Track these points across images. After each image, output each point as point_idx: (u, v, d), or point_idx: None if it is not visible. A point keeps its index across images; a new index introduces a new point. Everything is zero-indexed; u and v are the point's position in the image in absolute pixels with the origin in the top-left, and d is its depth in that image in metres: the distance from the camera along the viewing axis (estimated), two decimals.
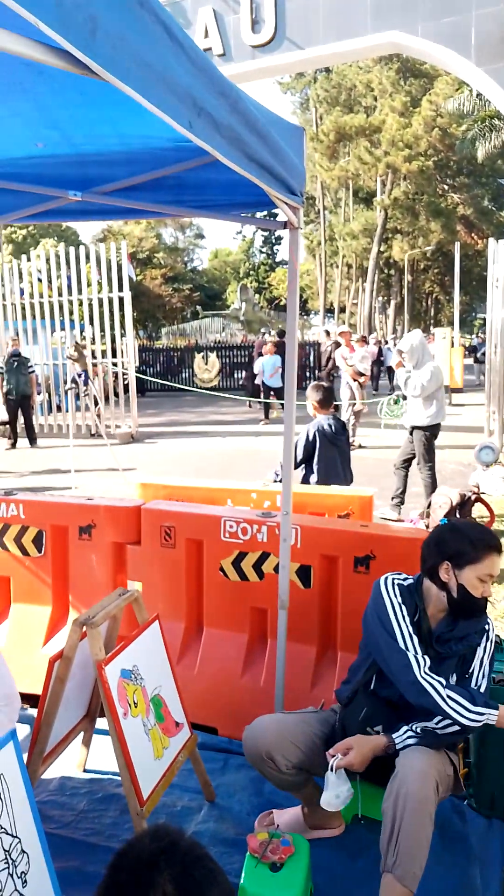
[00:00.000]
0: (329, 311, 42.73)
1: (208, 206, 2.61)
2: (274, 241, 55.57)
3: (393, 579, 2.11)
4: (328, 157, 35.65)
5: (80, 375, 10.98)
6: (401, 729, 1.96)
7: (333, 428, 4.42)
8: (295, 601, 2.75)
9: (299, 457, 4.43)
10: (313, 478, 4.43)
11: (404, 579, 2.12)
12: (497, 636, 2.67)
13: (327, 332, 15.34)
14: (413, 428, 6.36)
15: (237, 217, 2.63)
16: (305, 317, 47.51)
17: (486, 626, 2.05)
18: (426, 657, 1.96)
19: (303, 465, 4.45)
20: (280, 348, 13.71)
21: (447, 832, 2.28)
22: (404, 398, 6.84)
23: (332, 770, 1.90)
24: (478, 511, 5.84)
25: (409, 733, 1.94)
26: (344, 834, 2.27)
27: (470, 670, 2.01)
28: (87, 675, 2.37)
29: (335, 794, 1.89)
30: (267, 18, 10.69)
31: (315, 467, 4.46)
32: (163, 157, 2.45)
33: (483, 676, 2.01)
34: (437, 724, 1.92)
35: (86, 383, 11.18)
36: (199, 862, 0.98)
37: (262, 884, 1.81)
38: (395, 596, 2.05)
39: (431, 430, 6.34)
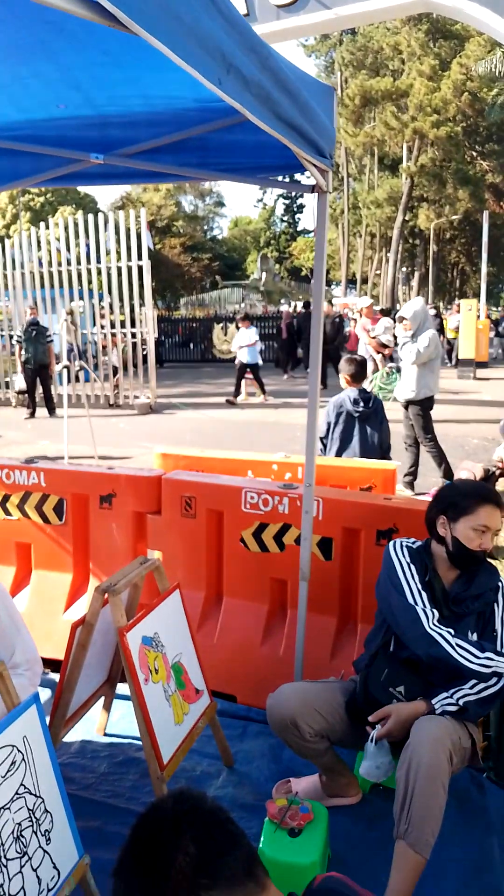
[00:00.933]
0: (351, 281, 42.12)
1: (233, 170, 2.55)
2: (296, 209, 54.67)
3: (402, 542, 2.19)
4: (353, 122, 34.77)
5: (69, 351, 10.76)
6: (439, 694, 1.96)
7: (355, 401, 4.37)
8: (316, 573, 2.74)
9: (322, 432, 4.40)
10: (345, 454, 4.41)
11: (413, 542, 2.19)
12: None
13: (330, 303, 15.21)
14: (407, 402, 6.25)
15: (263, 180, 2.57)
16: (327, 287, 46.95)
17: (500, 584, 2.08)
18: (434, 611, 2.01)
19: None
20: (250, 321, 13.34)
21: (466, 804, 2.29)
22: (398, 370, 6.70)
23: (372, 741, 1.90)
24: (503, 486, 5.78)
25: (448, 700, 1.94)
26: (361, 802, 2.29)
27: (493, 629, 2.03)
28: (108, 642, 2.40)
29: (375, 764, 1.90)
30: None
31: (332, 439, 4.44)
32: (187, 117, 2.38)
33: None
34: (471, 687, 1.93)
35: (74, 358, 10.95)
36: (222, 825, 0.99)
37: (281, 849, 1.83)
38: (404, 556, 2.12)
39: (425, 404, 6.20)
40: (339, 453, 4.43)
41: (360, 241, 41.60)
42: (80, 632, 2.14)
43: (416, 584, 2.06)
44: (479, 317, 15.72)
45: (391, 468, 3.45)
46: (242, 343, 12.85)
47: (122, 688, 2.67)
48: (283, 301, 30.14)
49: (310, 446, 2.65)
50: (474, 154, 34.82)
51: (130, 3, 1.12)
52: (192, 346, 24.15)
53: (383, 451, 4.48)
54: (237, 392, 13.12)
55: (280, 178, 2.63)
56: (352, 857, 2.06)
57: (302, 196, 61.56)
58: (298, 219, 55.88)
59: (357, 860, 2.05)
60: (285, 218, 55.63)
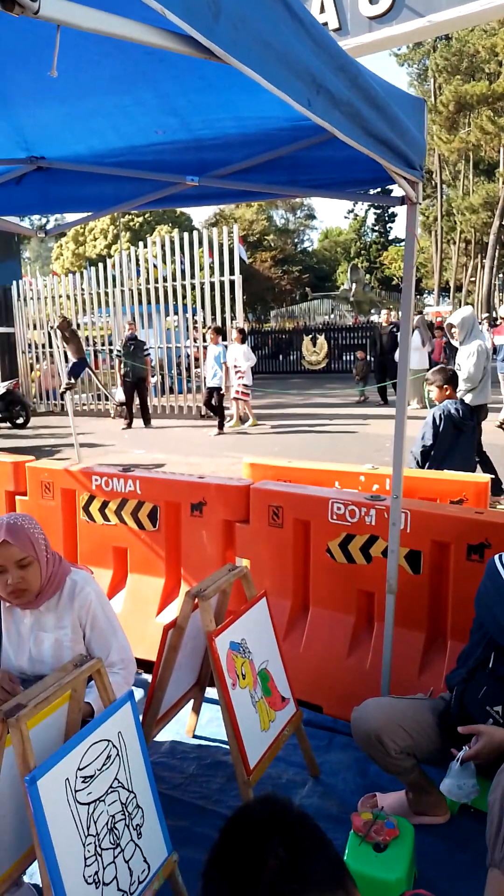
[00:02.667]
0: (444, 289, 41.07)
1: (323, 185, 2.59)
2: (387, 218, 54.00)
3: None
4: (447, 128, 34.03)
5: (74, 365, 10.45)
6: None
7: (461, 412, 4.27)
8: (404, 586, 2.71)
9: (428, 442, 4.33)
10: (445, 465, 4.32)
11: None
12: None
13: (388, 311, 14.82)
14: (474, 408, 6.04)
15: (352, 195, 2.60)
16: (419, 296, 45.99)
17: None
18: None
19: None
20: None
21: None
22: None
23: (457, 761, 1.86)
24: None
25: None
26: (449, 823, 2.23)
27: None
28: (198, 645, 2.47)
29: (458, 784, 1.85)
30: None
31: (435, 452, 4.35)
32: (278, 137, 2.45)
33: None
34: None
35: (76, 374, 10.55)
36: (310, 831, 1.00)
37: (366, 862, 1.82)
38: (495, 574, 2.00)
39: (477, 413, 5.93)
40: (441, 465, 4.33)
41: (453, 248, 40.52)
42: (171, 634, 2.22)
43: None
44: None
45: (483, 481, 3.35)
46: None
47: (211, 692, 2.74)
48: (372, 312, 29.79)
49: (397, 457, 2.63)
50: None
51: (225, 36, 1.18)
52: (280, 357, 24.33)
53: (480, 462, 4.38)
54: (221, 420, 11.09)
55: (370, 192, 2.64)
56: (439, 879, 2.01)
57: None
58: (390, 228, 55.17)
59: (444, 882, 2.00)
60: (376, 227, 55.06)
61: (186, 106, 2.25)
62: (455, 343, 6.14)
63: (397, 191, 2.40)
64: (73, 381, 9.80)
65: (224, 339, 12.67)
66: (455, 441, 4.28)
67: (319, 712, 2.90)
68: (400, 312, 2.57)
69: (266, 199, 3.00)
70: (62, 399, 9.52)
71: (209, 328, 11.45)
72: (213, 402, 11.07)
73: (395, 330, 13.17)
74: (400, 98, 2.20)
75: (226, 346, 11.31)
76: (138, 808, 1.73)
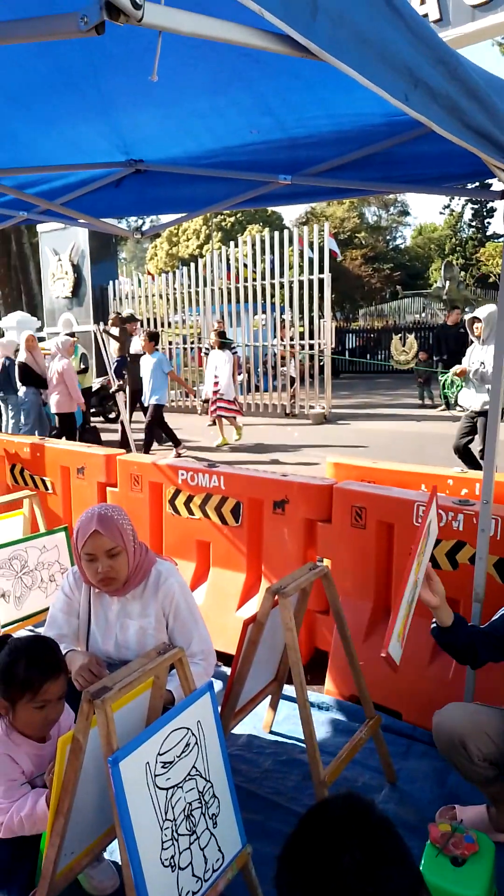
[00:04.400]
0: None
1: (418, 181, 2.54)
2: (485, 213, 52.03)
3: None
4: None
5: (115, 363, 9.41)
6: None
7: None
8: (492, 595, 2.61)
9: None
10: None
11: None
12: None
13: (456, 310, 13.90)
14: (476, 414, 5.96)
15: (448, 189, 2.53)
16: None
17: None
18: None
19: None
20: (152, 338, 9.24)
21: None
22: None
23: None
24: None
25: None
26: None
27: None
28: (277, 642, 2.48)
29: None
30: None
31: None
32: (374, 133, 2.42)
33: None
34: None
35: (120, 375, 9.38)
36: (390, 838, 0.98)
37: (443, 876, 1.77)
38: None
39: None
40: None
41: None
42: (251, 629, 2.24)
43: None
44: None
45: None
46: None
47: (289, 689, 2.75)
48: (467, 310, 28.82)
49: (489, 461, 2.53)
50: None
51: (323, 33, 1.18)
52: (369, 357, 24.00)
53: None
54: (174, 441, 8.96)
55: (467, 186, 2.56)
56: None
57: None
58: (488, 223, 53.07)
59: None
60: (473, 223, 53.12)
61: (281, 105, 2.26)
62: (473, 338, 5.78)
63: (496, 184, 2.32)
64: (122, 381, 9.51)
65: (311, 337, 12.61)
66: None
67: (399, 719, 2.84)
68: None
69: (358, 195, 2.97)
70: (115, 403, 9.31)
71: (142, 333, 9.49)
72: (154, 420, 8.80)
73: (461, 330, 12.67)
74: (500, 87, 2.11)
75: (234, 351, 10.35)
76: (214, 797, 1.76)
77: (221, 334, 10.05)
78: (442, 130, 1.65)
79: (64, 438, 8.26)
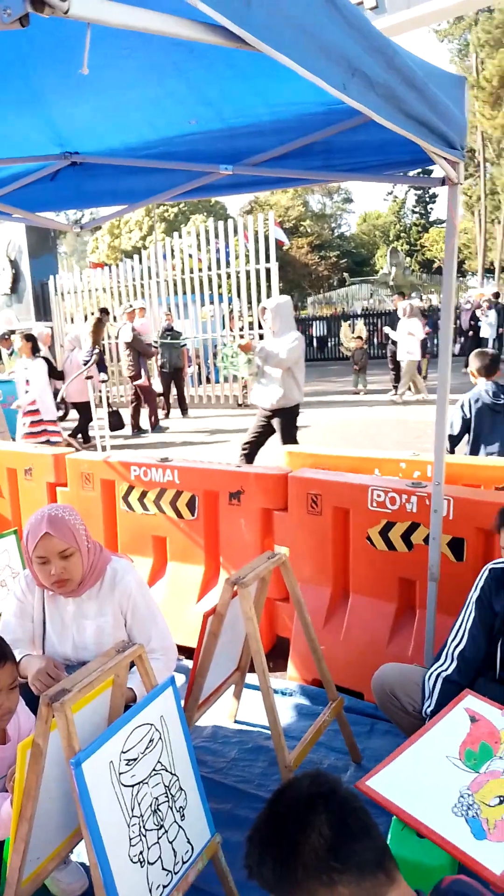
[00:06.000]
0: (489, 271, 40.06)
1: (359, 169, 2.55)
2: (428, 199, 52.87)
3: (489, 567, 2.18)
4: (490, 104, 33.03)
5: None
6: None
7: (495, 394, 4.19)
8: (446, 574, 2.69)
9: (454, 431, 4.27)
10: (489, 450, 4.25)
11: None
12: None
13: (401, 296, 14.22)
14: (272, 412, 5.45)
15: (390, 177, 2.56)
16: (462, 278, 45.01)
17: None
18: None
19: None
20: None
21: None
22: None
23: None
24: None
25: None
26: None
27: None
28: (238, 632, 2.49)
29: None
30: None
31: (470, 437, 4.28)
32: (312, 122, 2.43)
33: None
34: None
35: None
36: (356, 812, 1.01)
37: (410, 848, 1.82)
38: (475, 588, 2.16)
39: (293, 411, 5.47)
40: (476, 450, 4.27)
41: (498, 227, 39.45)
42: (211, 621, 2.25)
43: (461, 627, 2.11)
44: None
45: None
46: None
47: (252, 678, 2.77)
48: (413, 295, 29.28)
49: (438, 443, 2.59)
50: None
51: (258, 23, 1.17)
52: (317, 344, 24.18)
53: None
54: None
55: (408, 174, 2.59)
56: None
57: None
58: (431, 209, 54.00)
59: None
60: (417, 209, 53.94)
61: (219, 95, 2.25)
62: (266, 330, 5.40)
63: (437, 171, 2.36)
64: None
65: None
66: (492, 425, 4.20)
67: (361, 699, 2.90)
68: (443, 294, 2.51)
69: (301, 185, 2.97)
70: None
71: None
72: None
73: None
74: (439, 77, 2.15)
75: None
76: (181, 790, 1.76)
77: (29, 337, 7.60)
78: (381, 119, 1.66)
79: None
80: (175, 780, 1.75)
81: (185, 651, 3.06)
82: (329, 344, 23.66)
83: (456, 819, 1.58)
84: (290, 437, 5.61)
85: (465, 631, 2.14)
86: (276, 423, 5.55)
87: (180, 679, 2.96)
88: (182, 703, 1.84)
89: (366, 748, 2.57)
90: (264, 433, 5.67)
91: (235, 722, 2.78)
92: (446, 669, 2.10)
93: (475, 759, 1.74)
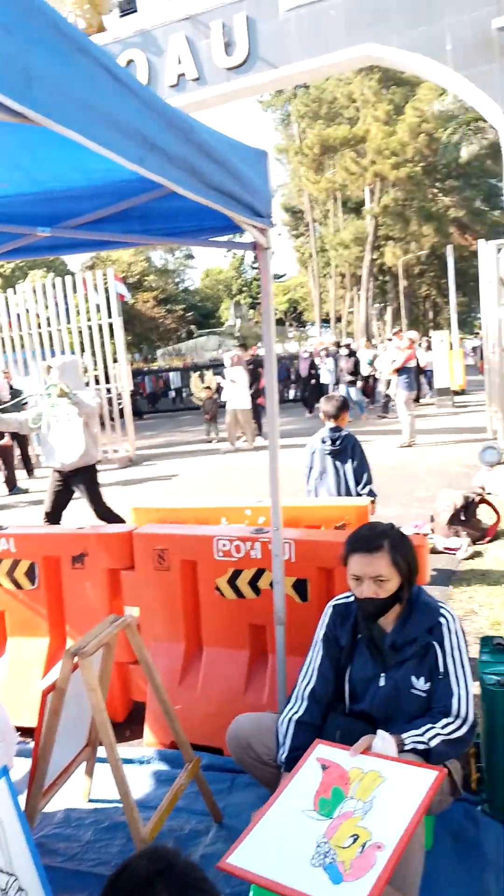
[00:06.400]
0: (325, 321, 42.86)
1: (177, 234, 2.65)
2: None
3: (332, 604, 2.27)
4: (314, 170, 35.94)
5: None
6: (408, 731, 1.93)
7: (323, 440, 4.44)
8: (293, 615, 2.75)
9: (306, 470, 4.50)
10: (322, 492, 4.46)
11: (348, 595, 2.22)
12: (501, 637, 2.68)
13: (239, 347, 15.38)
14: (74, 471, 5.30)
15: (205, 242, 2.67)
16: (302, 328, 47.67)
17: (440, 621, 2.07)
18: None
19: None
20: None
21: (460, 839, 2.27)
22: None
23: None
24: (484, 512, 5.84)
25: (418, 738, 1.90)
26: None
27: (439, 673, 2.03)
28: (84, 704, 2.37)
29: None
30: (239, 41, 10.87)
31: (312, 478, 4.51)
32: (127, 189, 2.49)
33: (458, 673, 2.03)
34: (443, 727, 1.93)
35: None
36: (196, 884, 0.99)
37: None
38: (321, 626, 2.25)
39: (94, 469, 5.47)
40: (318, 492, 4.49)
41: (330, 281, 42.52)
42: (51, 698, 2.13)
43: (310, 666, 2.21)
44: (451, 347, 16.04)
45: (363, 504, 3.49)
46: None
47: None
48: (259, 345, 30.55)
49: (273, 490, 2.69)
50: (435, 191, 35.97)
51: (40, 100, 1.21)
52: (169, 396, 24.43)
53: (359, 486, 4.52)
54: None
55: (221, 239, 2.73)
56: None
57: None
58: None
59: None
60: (255, 265, 56.77)
61: (30, 160, 2.24)
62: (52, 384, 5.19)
63: (248, 237, 2.51)
64: None
65: (108, 381, 12.52)
66: (327, 466, 4.46)
67: (221, 755, 2.86)
68: (263, 346, 2.64)
69: (121, 247, 3.03)
70: None
71: None
72: None
73: (251, 366, 13.54)
74: (241, 150, 2.30)
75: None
76: (21, 891, 1.62)
77: None
78: (183, 191, 1.75)
79: None
80: (13, 880, 1.61)
81: (31, 733, 2.85)
82: (182, 394, 23.97)
83: (314, 870, 1.59)
84: (96, 494, 5.46)
85: (313, 670, 2.20)
86: (78, 483, 5.35)
87: (27, 764, 2.76)
88: (25, 792, 1.72)
89: (227, 805, 2.53)
90: (63, 495, 5.40)
91: (90, 801, 2.63)
92: (297, 711, 2.14)
93: (329, 806, 1.76)
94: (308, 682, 2.19)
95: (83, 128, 1.33)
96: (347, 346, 16.46)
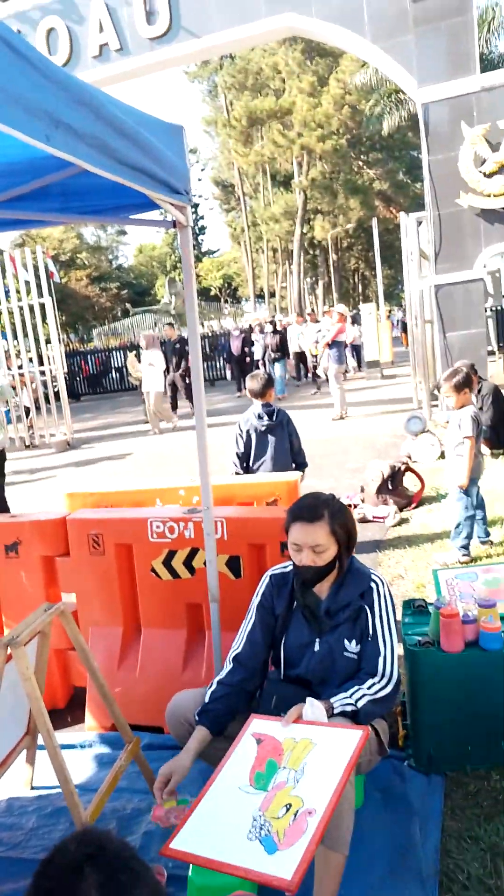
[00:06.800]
0: (259, 296, 42.80)
1: (97, 211, 2.59)
2: (198, 231, 55.14)
3: (270, 573, 2.31)
4: (242, 142, 35.55)
5: None
6: (337, 694, 2.00)
7: (259, 416, 4.47)
8: (227, 592, 2.79)
9: (241, 448, 4.50)
10: (260, 469, 4.50)
11: (285, 566, 2.29)
12: (422, 600, 2.79)
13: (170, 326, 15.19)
14: None
15: (127, 220, 2.63)
16: (237, 305, 47.46)
17: (371, 586, 2.16)
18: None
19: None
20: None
21: (388, 793, 2.38)
22: None
23: None
24: (410, 480, 6.02)
25: (346, 699, 1.97)
26: None
27: (368, 635, 2.12)
28: (21, 695, 2.35)
29: None
30: (161, 10, 10.55)
31: (251, 458, 4.53)
32: (44, 165, 2.40)
33: (385, 635, 2.11)
34: (368, 687, 2.01)
35: None
36: (126, 864, 1.00)
37: (210, 875, 1.85)
38: (256, 595, 2.29)
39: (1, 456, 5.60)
40: (254, 469, 4.52)
41: (263, 256, 42.39)
42: None
43: (241, 634, 2.25)
44: (379, 320, 16.33)
45: (293, 480, 3.54)
46: None
47: None
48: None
49: (203, 469, 2.70)
50: (360, 164, 36.19)
51: None
52: (107, 377, 23.96)
53: (296, 461, 4.60)
54: None
55: (146, 216, 2.68)
56: None
57: (203, 217, 62.14)
58: (202, 240, 56.43)
59: None
60: None
61: None
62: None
63: (167, 214, 2.48)
64: None
65: (41, 363, 12.20)
66: (260, 443, 4.50)
67: (161, 733, 2.89)
68: (186, 324, 2.62)
69: (41, 226, 2.95)
70: None
71: None
72: None
73: (177, 345, 13.43)
74: (155, 125, 2.26)
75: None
76: None
77: None
78: (93, 167, 1.71)
79: None
80: None
81: None
82: (117, 375, 23.55)
83: (250, 844, 1.63)
84: None
85: (244, 637, 2.25)
86: None
87: None
88: None
89: None
90: None
91: (32, 788, 2.62)
92: (220, 675, 2.20)
93: (263, 780, 1.81)
94: (236, 649, 2.24)
95: None
96: (272, 322, 16.19)
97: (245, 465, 4.56)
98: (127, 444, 11.53)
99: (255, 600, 2.30)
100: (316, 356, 14.38)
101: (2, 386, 5.08)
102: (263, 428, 4.48)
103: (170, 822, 1.88)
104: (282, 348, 15.26)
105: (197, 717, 2.09)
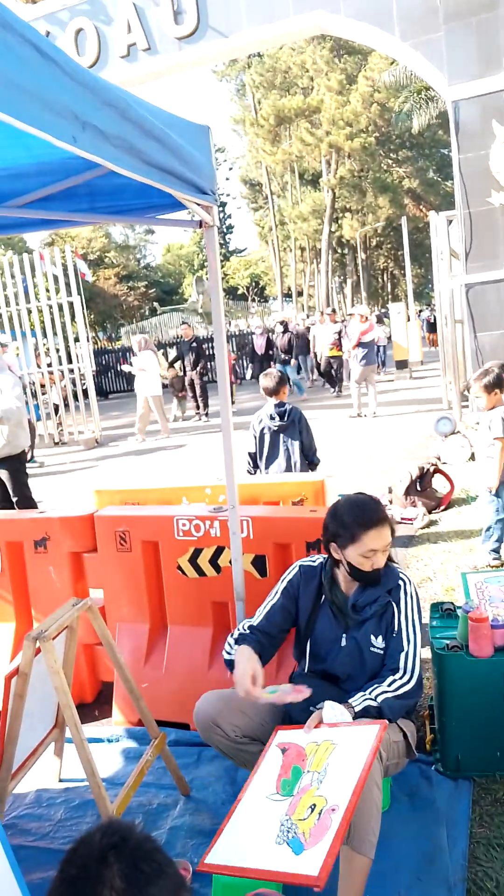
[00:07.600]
0: (287, 295, 42.71)
1: (124, 211, 2.62)
2: (226, 230, 55.23)
3: (300, 564, 2.31)
4: (270, 141, 35.48)
5: None
6: (356, 694, 2.01)
7: (272, 416, 4.45)
8: (252, 591, 2.80)
9: (252, 449, 4.50)
10: (273, 467, 4.48)
11: (314, 560, 2.30)
12: (451, 603, 2.76)
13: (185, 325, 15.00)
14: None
15: (152, 220, 2.64)
16: (265, 304, 47.42)
17: (399, 584, 2.17)
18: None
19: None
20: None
21: (416, 798, 2.36)
22: None
23: None
24: (439, 481, 5.96)
25: (367, 698, 1.98)
26: None
27: (393, 631, 2.12)
28: (50, 688, 2.38)
29: None
30: (188, 9, 10.58)
31: (261, 455, 4.53)
32: (72, 165, 2.44)
33: (409, 632, 2.12)
34: (389, 685, 2.00)
35: None
36: (149, 856, 1.01)
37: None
38: (283, 580, 2.30)
39: (21, 458, 5.38)
40: (266, 470, 4.51)
41: (290, 255, 42.28)
42: (15, 682, 2.13)
43: (263, 608, 2.28)
44: (409, 318, 16.16)
45: (320, 480, 3.53)
46: None
47: None
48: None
49: (228, 468, 2.71)
50: (390, 162, 35.87)
51: None
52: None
53: (309, 461, 4.57)
54: None
55: (173, 216, 2.70)
56: None
57: (230, 216, 62.20)
58: (230, 239, 56.47)
59: None
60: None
61: None
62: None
63: (194, 214, 2.49)
64: None
65: (70, 361, 12.34)
66: (274, 443, 4.49)
67: (188, 729, 2.91)
68: (213, 324, 2.63)
69: (69, 226, 2.98)
70: None
71: None
72: None
73: (194, 344, 13.37)
74: (182, 126, 2.27)
75: None
76: None
77: None
78: (120, 169, 1.73)
79: None
80: None
81: None
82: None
83: (278, 848, 1.65)
84: (22, 486, 5.31)
85: (263, 611, 2.29)
86: (2, 474, 5.22)
87: None
88: None
89: (194, 778, 2.59)
90: None
91: (60, 781, 2.66)
92: (235, 633, 2.26)
93: (289, 786, 1.82)
94: (252, 620, 2.28)
95: (10, 107, 1.30)
96: (283, 322, 15.48)
97: (256, 465, 4.55)
98: (154, 442, 11.60)
99: (281, 585, 2.31)
100: (332, 358, 14.05)
101: (4, 410, 5.08)
102: (276, 428, 4.46)
103: (285, 700, 1.98)
104: (291, 349, 14.68)
105: (234, 642, 2.18)
